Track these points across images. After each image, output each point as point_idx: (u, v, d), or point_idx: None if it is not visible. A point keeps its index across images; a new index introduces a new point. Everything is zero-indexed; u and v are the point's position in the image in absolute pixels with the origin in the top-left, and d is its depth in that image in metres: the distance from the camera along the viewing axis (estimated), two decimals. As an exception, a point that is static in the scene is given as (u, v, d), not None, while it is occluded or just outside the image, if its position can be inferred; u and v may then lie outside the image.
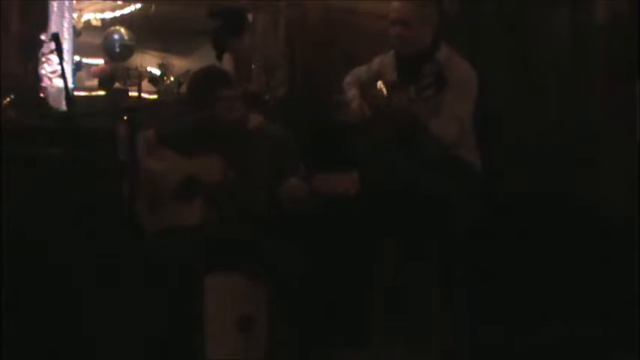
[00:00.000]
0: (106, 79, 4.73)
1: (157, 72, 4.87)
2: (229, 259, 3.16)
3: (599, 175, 3.90)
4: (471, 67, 3.40)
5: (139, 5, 5.00)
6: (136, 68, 4.80)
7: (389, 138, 3.33)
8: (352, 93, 3.56)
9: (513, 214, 3.81)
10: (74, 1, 4.61)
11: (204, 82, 3.36)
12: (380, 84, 3.39)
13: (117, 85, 4.71)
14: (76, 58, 4.70)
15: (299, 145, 3.41)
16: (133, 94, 4.55)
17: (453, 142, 3.31)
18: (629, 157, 3.67)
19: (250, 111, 3.42)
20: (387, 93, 3.31)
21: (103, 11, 4.98)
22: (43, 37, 4.34)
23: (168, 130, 3.43)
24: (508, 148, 3.91)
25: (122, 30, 4.93)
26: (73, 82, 4.48)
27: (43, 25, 4.38)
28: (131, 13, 5.01)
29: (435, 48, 3.39)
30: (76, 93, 4.44)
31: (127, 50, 4.93)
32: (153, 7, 5.00)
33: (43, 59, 4.35)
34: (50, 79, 4.35)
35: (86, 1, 4.90)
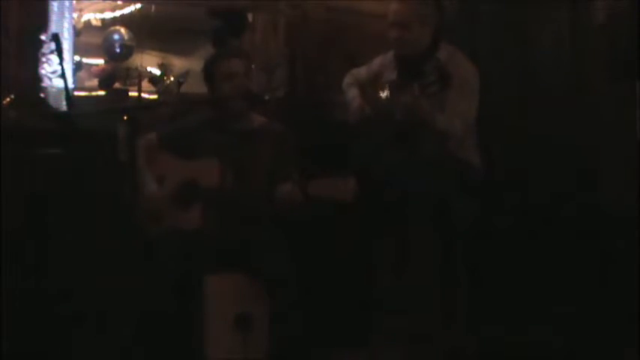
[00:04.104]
0: (106, 79, 4.72)
1: (157, 72, 4.86)
2: (228, 262, 3.16)
3: (599, 175, 3.89)
4: (473, 65, 3.40)
5: (139, 5, 4.99)
6: (136, 68, 4.80)
7: (390, 137, 3.32)
8: (352, 93, 3.55)
9: (513, 214, 3.80)
10: (74, 1, 4.60)
11: (217, 56, 3.39)
12: (380, 84, 3.38)
13: (117, 85, 4.70)
14: (76, 58, 4.68)
15: (299, 146, 3.40)
16: (133, 94, 4.54)
17: (458, 138, 3.30)
18: (630, 157, 3.67)
19: (250, 111, 3.42)
20: (388, 93, 3.31)
21: (103, 11, 4.98)
22: (43, 37, 4.33)
23: (168, 132, 3.42)
24: (507, 147, 3.91)
25: (122, 30, 4.93)
26: (73, 82, 4.47)
27: (43, 25, 4.37)
28: (131, 13, 5.01)
29: (435, 48, 3.38)
30: (76, 93, 4.43)
31: (127, 50, 4.92)
32: (153, 7, 5.00)
33: (43, 59, 4.34)
34: (50, 79, 4.34)
35: (86, 1, 4.90)
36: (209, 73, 3.37)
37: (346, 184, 2.91)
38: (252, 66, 4.46)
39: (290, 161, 3.26)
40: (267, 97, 4.11)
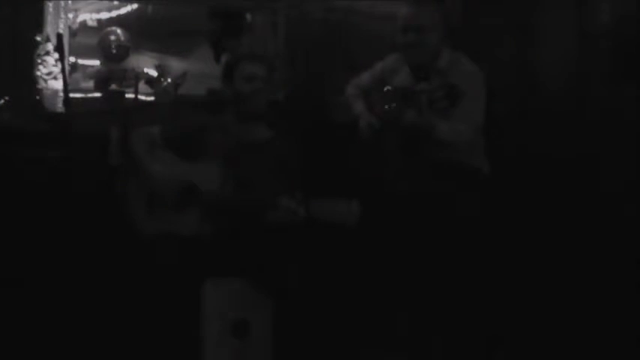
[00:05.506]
0: (102, 80, 4.69)
1: (153, 73, 4.82)
2: (226, 267, 3.12)
3: (602, 175, 3.90)
4: (477, 68, 3.38)
5: (135, 6, 4.96)
6: (133, 69, 4.76)
7: (397, 146, 3.30)
8: (358, 108, 3.50)
9: (516, 215, 3.79)
10: (70, 2, 4.58)
11: (240, 58, 3.36)
12: (387, 91, 3.36)
13: (113, 86, 4.67)
14: (72, 59, 4.66)
15: (301, 154, 3.36)
16: (130, 95, 4.52)
17: (466, 144, 3.28)
18: (633, 157, 3.68)
19: (260, 121, 3.39)
20: (396, 100, 3.28)
21: (99, 12, 4.94)
22: (38, 37, 4.31)
23: (171, 129, 3.37)
24: (510, 149, 3.89)
25: (118, 31, 4.89)
26: (69, 84, 4.43)
27: (39, 26, 4.35)
28: (127, 13, 4.98)
29: (441, 53, 3.37)
30: (71, 94, 4.39)
31: (124, 51, 4.88)
32: (149, 8, 4.96)
33: (39, 60, 4.31)
34: (45, 80, 4.31)
35: (82, 2, 4.86)
36: (229, 73, 3.34)
37: (349, 207, 2.86)
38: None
39: (294, 177, 3.22)
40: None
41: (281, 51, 4.48)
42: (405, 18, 3.36)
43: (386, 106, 3.30)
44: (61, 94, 4.22)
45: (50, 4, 4.42)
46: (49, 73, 4.31)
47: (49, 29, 4.39)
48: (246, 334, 3.05)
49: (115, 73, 4.75)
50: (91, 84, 4.75)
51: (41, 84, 4.32)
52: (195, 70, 4.81)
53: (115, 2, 4.95)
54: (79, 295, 3.57)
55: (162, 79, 4.77)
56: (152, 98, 4.63)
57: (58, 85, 4.24)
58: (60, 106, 4.23)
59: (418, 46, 3.34)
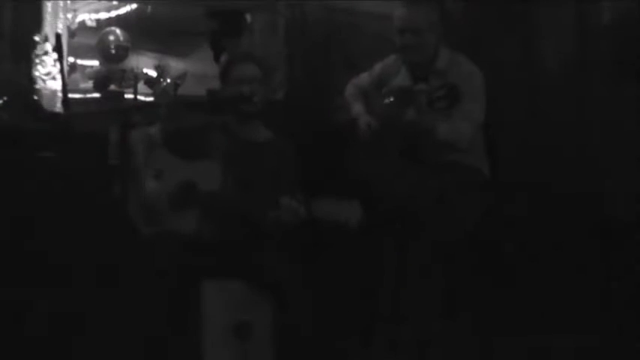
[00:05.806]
0: (100, 80, 4.68)
1: (153, 74, 4.81)
2: (226, 269, 3.10)
3: (605, 176, 3.89)
4: (476, 67, 3.38)
5: (134, 6, 4.95)
6: (132, 70, 4.75)
7: (395, 148, 3.29)
8: (357, 108, 3.49)
9: (520, 218, 3.78)
10: (68, 2, 4.57)
11: (233, 59, 3.38)
12: (386, 91, 3.35)
13: (112, 87, 4.66)
14: (71, 59, 4.65)
15: (304, 161, 3.34)
16: (129, 96, 4.51)
17: (467, 144, 3.27)
18: (636, 157, 3.67)
19: (259, 122, 3.37)
20: (395, 101, 3.27)
21: (98, 12, 4.93)
22: (36, 38, 4.30)
23: (172, 128, 3.36)
24: (513, 151, 3.88)
25: (117, 31, 4.88)
26: (68, 84, 4.42)
27: (37, 26, 4.34)
28: (127, 13, 4.96)
29: (440, 53, 3.36)
30: (70, 95, 4.37)
31: (123, 51, 4.87)
32: (149, 8, 4.95)
33: (37, 61, 4.30)
34: (44, 80, 4.30)
35: (81, 2, 4.84)
36: (224, 75, 3.34)
37: (351, 207, 2.85)
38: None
39: (294, 178, 3.21)
40: (265, 99, 4.08)
41: (281, 51, 4.47)
42: (402, 19, 3.36)
43: (386, 100, 3.30)
44: (60, 94, 4.20)
45: (49, 4, 4.41)
46: (47, 74, 4.29)
47: (48, 29, 4.37)
48: (247, 336, 3.03)
49: (114, 73, 4.73)
50: (90, 84, 4.73)
51: (40, 84, 4.31)
52: (195, 70, 4.80)
53: (115, 2, 4.94)
54: (78, 294, 3.55)
55: (161, 80, 4.76)
56: (151, 98, 4.62)
57: (56, 85, 4.22)
58: (59, 107, 4.21)
59: (416, 48, 3.33)
